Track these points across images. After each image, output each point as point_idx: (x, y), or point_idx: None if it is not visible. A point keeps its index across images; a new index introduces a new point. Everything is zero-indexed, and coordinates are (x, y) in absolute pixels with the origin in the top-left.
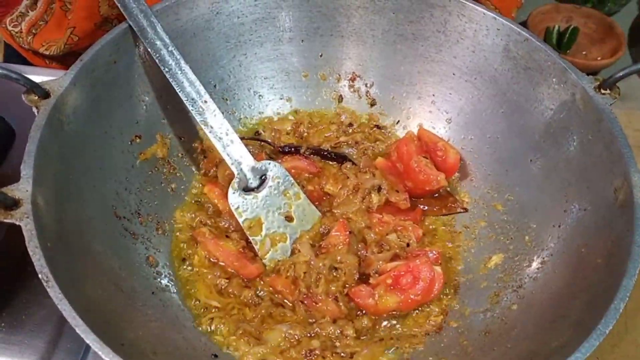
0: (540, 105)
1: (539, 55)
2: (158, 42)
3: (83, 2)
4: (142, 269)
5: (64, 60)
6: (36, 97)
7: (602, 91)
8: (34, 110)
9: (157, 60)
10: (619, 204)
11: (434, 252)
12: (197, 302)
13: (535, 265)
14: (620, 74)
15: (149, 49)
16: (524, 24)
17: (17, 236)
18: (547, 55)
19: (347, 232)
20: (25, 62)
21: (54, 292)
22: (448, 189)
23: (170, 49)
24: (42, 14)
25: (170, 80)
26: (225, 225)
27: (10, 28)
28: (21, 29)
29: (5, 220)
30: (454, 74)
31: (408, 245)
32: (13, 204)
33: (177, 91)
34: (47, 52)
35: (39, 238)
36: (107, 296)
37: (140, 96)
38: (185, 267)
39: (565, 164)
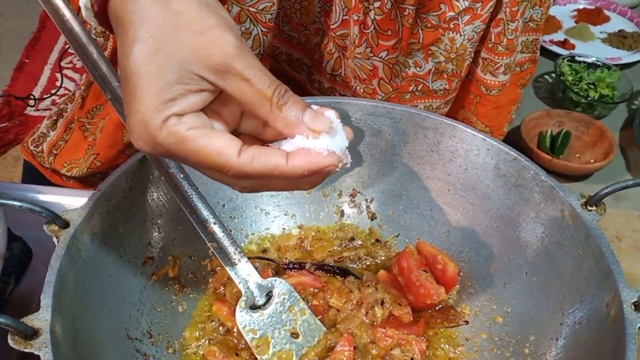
0: (531, 220)
1: (527, 174)
2: (171, 170)
3: (108, 133)
4: None
5: (81, 178)
6: (57, 227)
7: (589, 208)
8: (54, 240)
9: (170, 187)
10: (611, 318)
11: None
12: None
13: None
14: (605, 190)
15: (163, 177)
16: (517, 130)
17: None
18: (535, 174)
19: (352, 348)
20: (44, 179)
21: None
22: (449, 301)
23: (182, 175)
24: (61, 134)
25: (182, 204)
26: (235, 342)
27: (32, 148)
28: (42, 149)
29: (25, 350)
30: (448, 190)
31: (412, 359)
32: (33, 334)
33: (188, 215)
34: (68, 174)
35: None
36: None
37: (153, 219)
38: None
39: (559, 278)
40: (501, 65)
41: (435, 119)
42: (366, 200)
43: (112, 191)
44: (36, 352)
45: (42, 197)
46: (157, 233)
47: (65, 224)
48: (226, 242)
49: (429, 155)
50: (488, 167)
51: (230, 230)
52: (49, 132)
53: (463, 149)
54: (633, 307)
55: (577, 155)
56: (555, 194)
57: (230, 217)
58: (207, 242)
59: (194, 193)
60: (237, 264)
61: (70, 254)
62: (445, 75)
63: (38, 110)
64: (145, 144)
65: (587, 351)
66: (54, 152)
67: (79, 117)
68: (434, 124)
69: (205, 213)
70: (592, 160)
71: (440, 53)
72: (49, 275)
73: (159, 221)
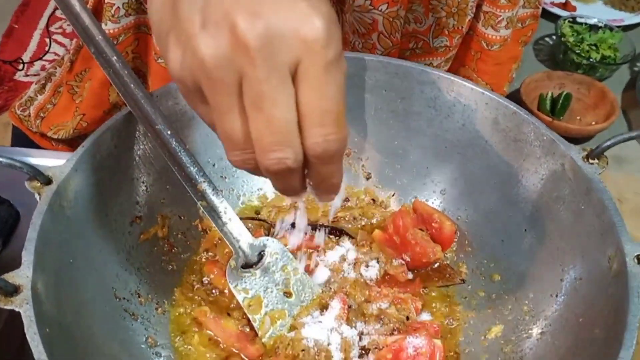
0: (531, 176)
1: (527, 128)
2: (158, 127)
3: (93, 91)
4: (141, 351)
5: (71, 142)
6: (39, 184)
7: (590, 161)
8: (37, 196)
9: (157, 145)
10: (614, 273)
11: (434, 324)
12: None
13: (534, 336)
14: (608, 143)
15: (149, 133)
16: (517, 92)
17: (17, 324)
18: (535, 128)
19: (346, 307)
20: (33, 145)
21: None
22: (446, 260)
23: (169, 132)
24: (49, 98)
25: (170, 162)
26: (227, 302)
27: (19, 112)
28: (29, 113)
29: (6, 307)
30: (446, 147)
31: (408, 318)
32: (13, 291)
33: (177, 173)
34: (55, 136)
35: (38, 324)
36: None
37: (140, 178)
38: (185, 346)
39: (559, 233)
40: (503, 18)
41: (433, 73)
42: (361, 159)
43: (96, 148)
44: (17, 309)
45: (31, 160)
46: (144, 192)
47: (47, 181)
48: (216, 202)
49: (425, 112)
50: (486, 122)
51: (221, 191)
52: (37, 96)
53: (461, 103)
54: (636, 261)
55: (578, 117)
56: (556, 147)
57: (221, 176)
58: (196, 201)
59: (182, 150)
60: (227, 224)
61: (53, 210)
62: (446, 32)
63: (28, 75)
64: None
65: (588, 306)
66: (41, 115)
67: (68, 80)
68: (431, 79)
69: (193, 171)
70: (593, 123)
71: (441, 7)
72: (30, 232)
73: (146, 180)
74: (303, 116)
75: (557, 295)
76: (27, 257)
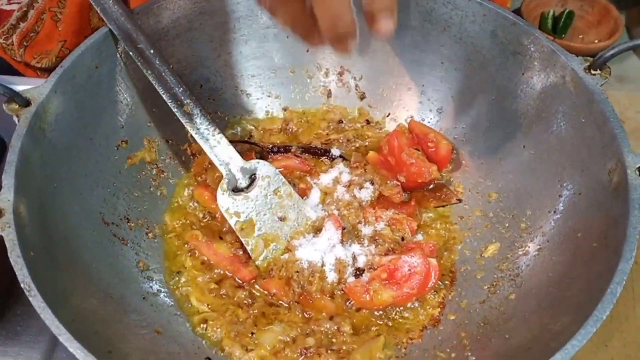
0: (530, 89)
1: (526, 39)
2: (140, 45)
3: (73, 16)
4: (132, 275)
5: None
6: (17, 106)
7: (592, 72)
8: (15, 119)
9: (139, 64)
10: (614, 185)
11: (430, 244)
12: (190, 305)
13: (531, 252)
14: (610, 52)
15: (131, 53)
16: (518, 11)
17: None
18: (535, 39)
19: (341, 228)
20: (18, 74)
21: (36, 302)
22: (441, 180)
23: (152, 51)
24: (32, 25)
25: (154, 83)
26: (219, 226)
27: (1, 41)
28: (13, 41)
29: None
30: (442, 63)
31: (403, 239)
32: None
33: (162, 94)
34: (39, 65)
35: (21, 248)
36: (96, 304)
37: (124, 100)
38: (177, 270)
39: (559, 148)
40: None
41: None
42: (355, 78)
43: (76, 67)
44: None
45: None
46: (129, 115)
47: (26, 103)
48: (204, 124)
49: (421, 26)
50: (485, 34)
51: (210, 113)
52: (19, 24)
53: (458, 16)
54: (638, 172)
55: (581, 36)
56: (557, 58)
57: (210, 99)
58: (183, 123)
59: (166, 70)
60: (216, 147)
61: (33, 133)
62: None
63: (11, 3)
64: None
65: (586, 221)
66: (24, 44)
67: (50, 6)
68: None
69: (179, 92)
70: (596, 41)
71: None
72: (10, 155)
73: (130, 102)
74: None
75: (555, 212)
76: (8, 180)
